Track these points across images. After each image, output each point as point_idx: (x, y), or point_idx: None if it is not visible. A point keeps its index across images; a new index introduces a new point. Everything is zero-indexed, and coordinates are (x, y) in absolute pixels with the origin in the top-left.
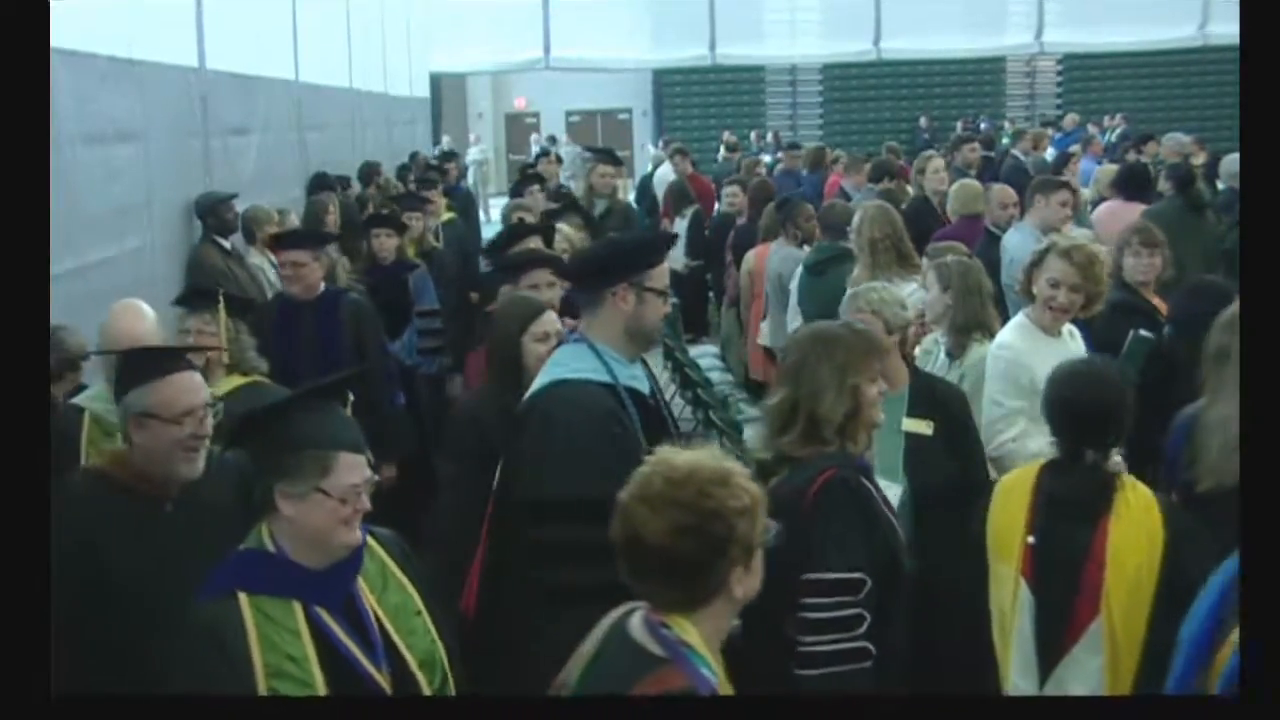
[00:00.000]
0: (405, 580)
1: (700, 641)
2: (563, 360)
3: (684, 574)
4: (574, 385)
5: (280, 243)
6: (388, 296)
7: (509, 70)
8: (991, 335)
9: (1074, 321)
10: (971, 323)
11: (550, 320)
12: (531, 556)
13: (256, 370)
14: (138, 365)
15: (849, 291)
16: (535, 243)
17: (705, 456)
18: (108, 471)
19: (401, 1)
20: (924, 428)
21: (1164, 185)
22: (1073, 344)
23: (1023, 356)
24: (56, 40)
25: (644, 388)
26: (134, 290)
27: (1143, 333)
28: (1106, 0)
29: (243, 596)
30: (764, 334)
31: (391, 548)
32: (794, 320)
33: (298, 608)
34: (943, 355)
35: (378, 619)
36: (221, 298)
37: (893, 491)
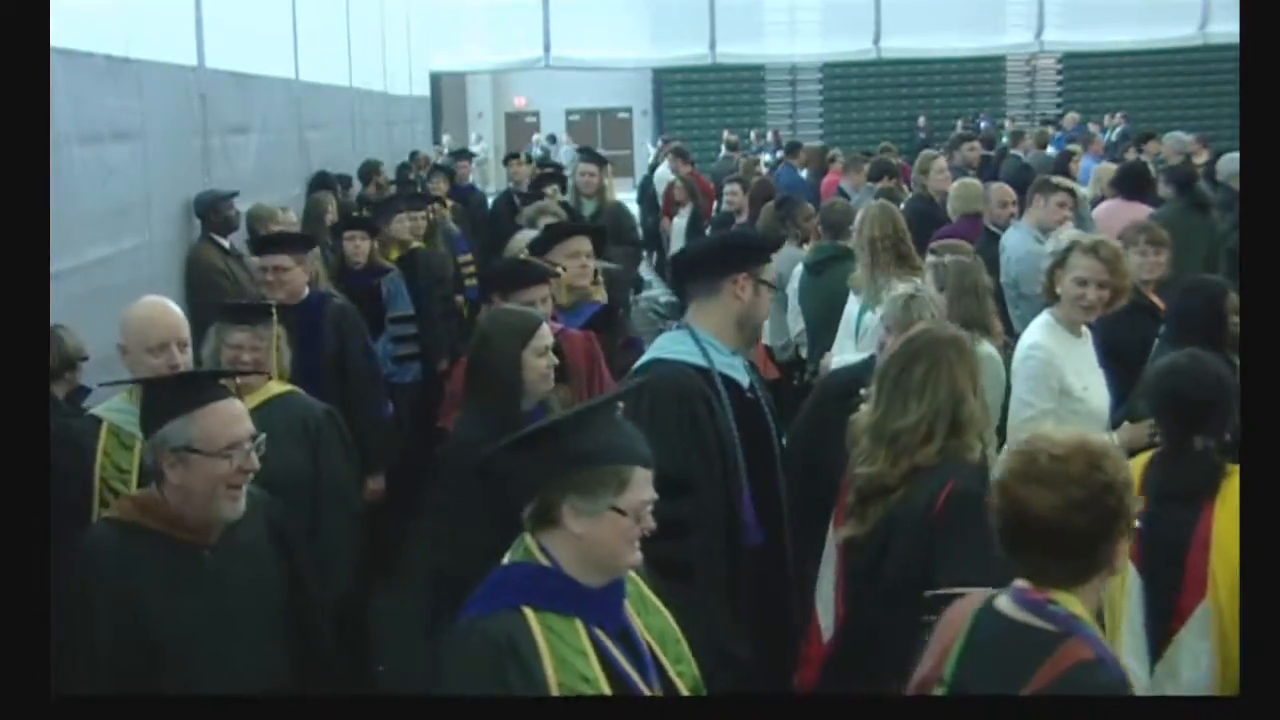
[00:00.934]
0: (660, 605)
1: (1087, 615)
2: (663, 344)
3: (1075, 549)
4: (668, 365)
5: (262, 246)
6: (359, 302)
7: (509, 69)
8: (989, 334)
9: None
10: (969, 322)
11: (548, 334)
12: None
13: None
14: (173, 394)
15: (901, 296)
16: (581, 243)
17: (1079, 432)
18: (137, 519)
19: (401, 0)
20: None
21: (1164, 190)
22: (1087, 344)
23: (1054, 358)
24: (55, 39)
25: (742, 379)
26: (132, 290)
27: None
28: None
29: (528, 611)
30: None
31: (640, 571)
32: (794, 320)
33: (580, 627)
34: None
35: (648, 643)
36: (275, 311)
37: None
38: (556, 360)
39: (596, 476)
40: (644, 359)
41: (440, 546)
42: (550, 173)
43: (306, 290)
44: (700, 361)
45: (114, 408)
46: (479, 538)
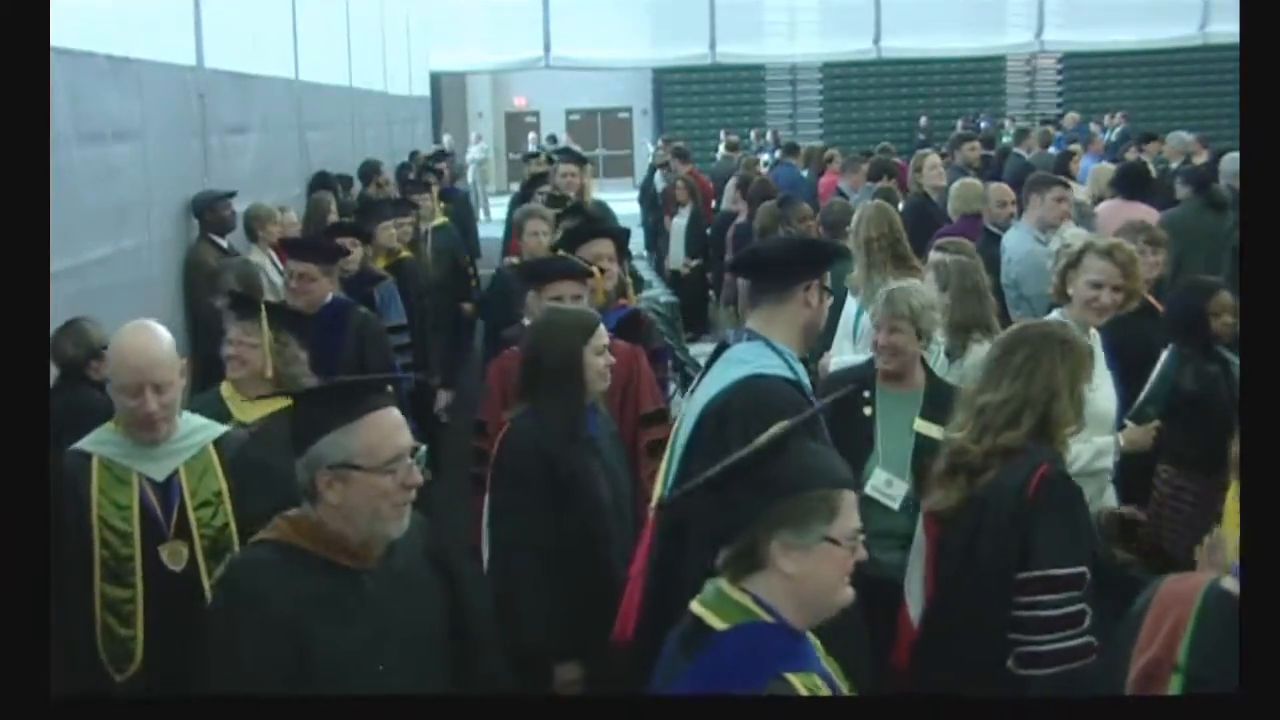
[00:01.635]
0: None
1: None
2: (746, 357)
3: None
4: (768, 380)
5: (290, 250)
6: None
7: (509, 69)
8: (991, 335)
9: None
10: (970, 322)
11: (605, 332)
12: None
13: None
14: (329, 405)
15: (887, 291)
16: (603, 245)
17: None
18: (295, 541)
19: (401, 0)
20: (934, 431)
21: (1182, 190)
22: (1095, 346)
23: None
24: (54, 39)
25: (808, 387)
26: (132, 289)
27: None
28: None
29: (793, 679)
30: None
31: None
32: None
33: (820, 684)
34: (942, 355)
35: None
36: (264, 307)
37: (899, 489)
38: (613, 359)
39: (806, 505)
40: (734, 374)
41: (500, 548)
42: (543, 173)
43: (329, 297)
44: (790, 374)
45: (101, 440)
46: (539, 538)
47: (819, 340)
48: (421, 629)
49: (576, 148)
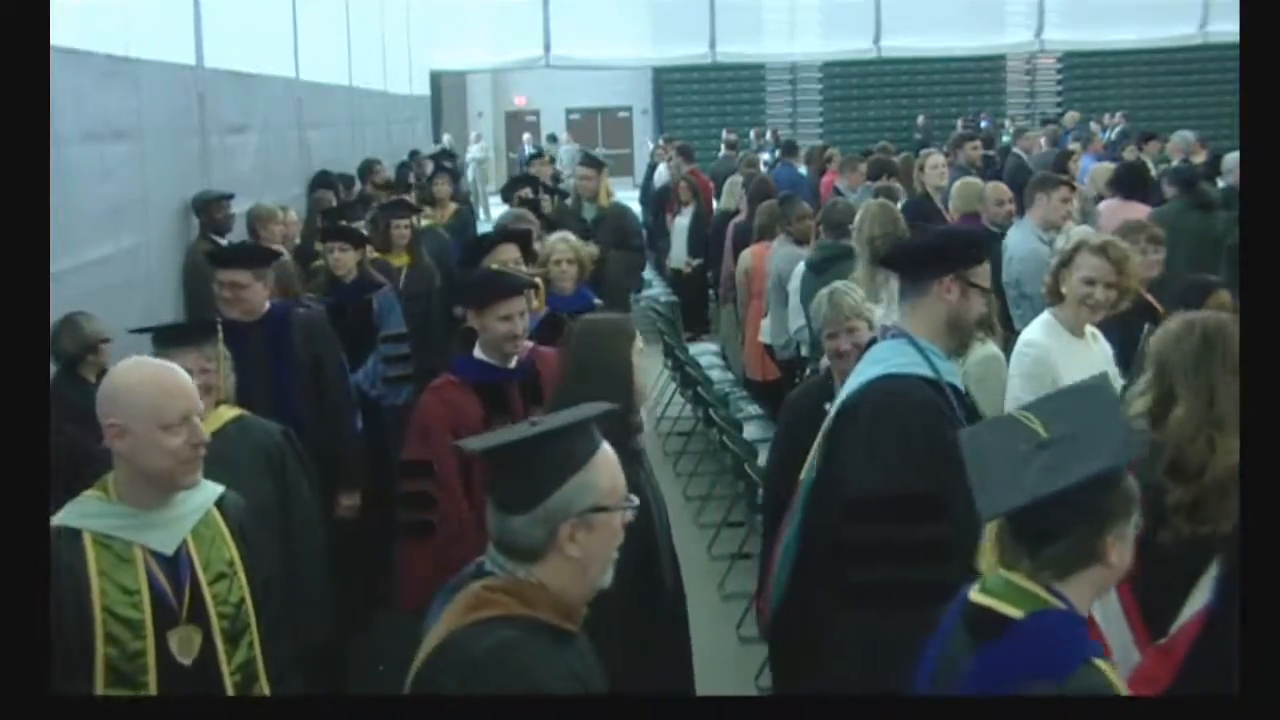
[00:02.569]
0: None
1: None
2: (883, 355)
3: None
4: (901, 380)
5: (216, 260)
6: (352, 320)
7: (509, 68)
8: (992, 333)
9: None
10: None
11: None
12: (856, 554)
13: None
14: (567, 446)
15: (827, 293)
16: (508, 251)
17: None
18: (526, 613)
19: None
20: None
21: (1168, 190)
22: (1095, 346)
23: (1048, 355)
24: (54, 38)
25: (959, 384)
26: (131, 288)
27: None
28: None
29: (1100, 664)
30: (764, 331)
31: None
32: (795, 318)
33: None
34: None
35: None
36: (220, 327)
37: None
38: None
39: (1125, 496)
40: (869, 372)
41: None
42: (522, 176)
43: (266, 305)
44: (929, 373)
45: (89, 512)
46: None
47: (805, 338)
48: (612, 682)
49: (593, 151)
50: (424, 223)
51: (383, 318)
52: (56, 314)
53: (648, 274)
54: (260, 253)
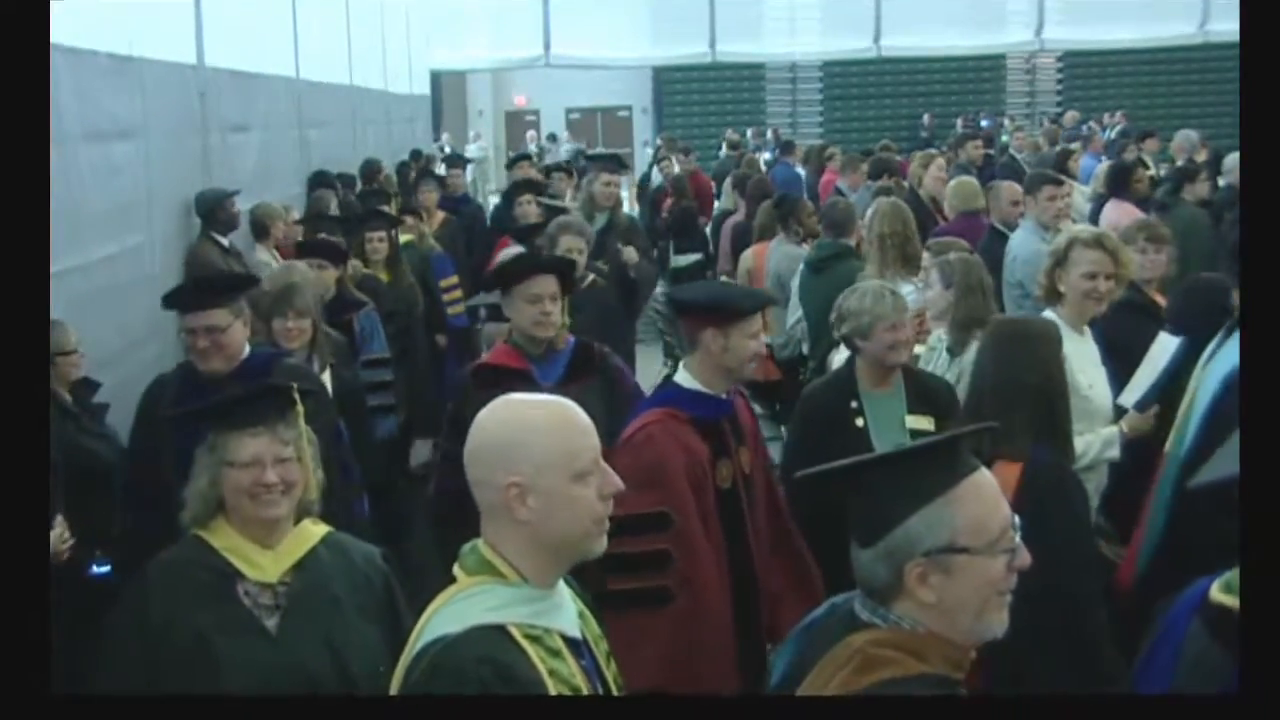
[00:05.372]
0: None
1: None
2: None
3: None
4: None
5: (184, 302)
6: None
7: (509, 67)
8: None
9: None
10: (973, 319)
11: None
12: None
13: None
14: (918, 474)
15: (876, 288)
16: (545, 284)
17: None
18: (920, 675)
19: None
20: (925, 424)
21: (1163, 188)
22: (1090, 343)
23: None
24: (56, 37)
25: None
26: (134, 288)
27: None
28: None
29: None
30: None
31: None
32: (794, 318)
33: None
34: (944, 352)
35: None
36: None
37: None
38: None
39: None
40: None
41: None
42: (523, 181)
43: (246, 349)
44: None
45: (498, 604)
46: None
47: (821, 338)
48: None
49: (593, 151)
50: (404, 238)
51: (364, 340)
52: (62, 313)
53: None
54: (236, 281)
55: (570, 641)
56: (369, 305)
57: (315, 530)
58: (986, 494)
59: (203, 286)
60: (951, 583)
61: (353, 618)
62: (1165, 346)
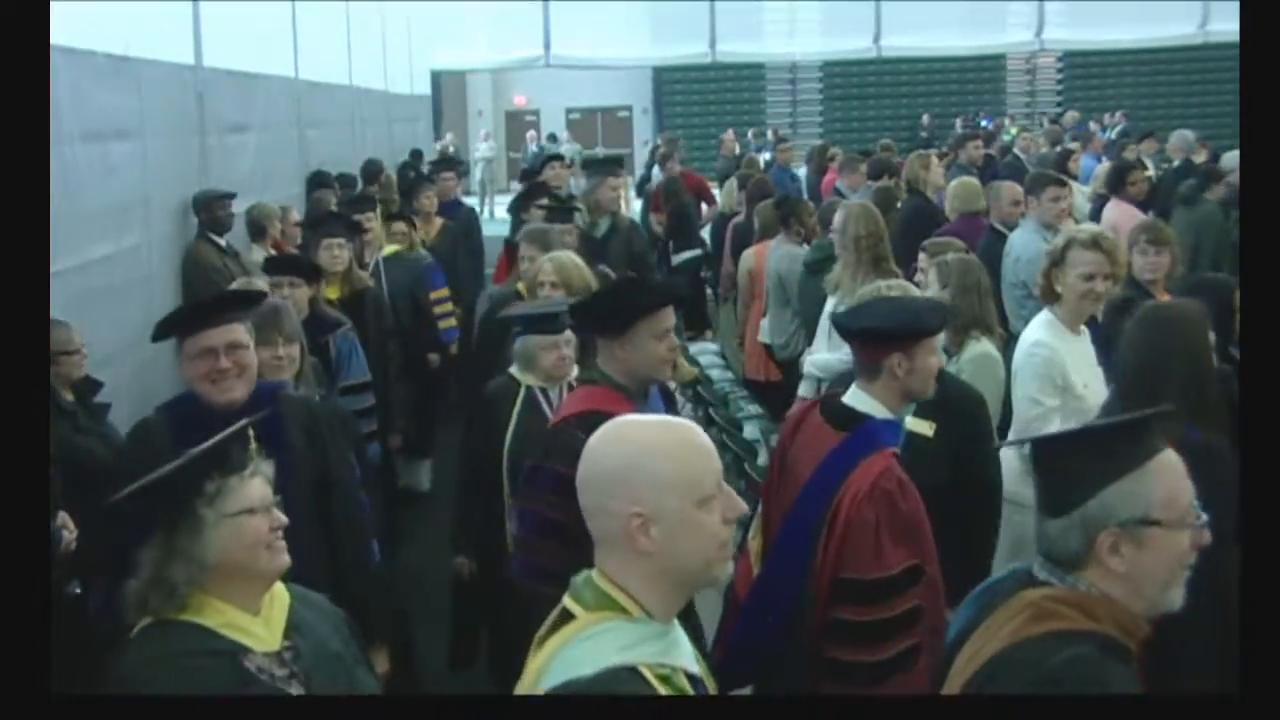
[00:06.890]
0: None
1: None
2: None
3: None
4: None
5: (197, 321)
6: None
7: (509, 68)
8: (989, 332)
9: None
10: (970, 320)
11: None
12: None
13: None
14: (1115, 449)
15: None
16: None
17: None
18: (1090, 630)
19: None
20: (925, 428)
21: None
22: (1085, 342)
23: (1056, 354)
24: (54, 37)
25: None
26: (132, 288)
27: None
28: None
29: None
30: (764, 331)
31: None
32: (794, 317)
33: None
34: (941, 353)
35: None
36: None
37: None
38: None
39: None
40: None
41: None
42: (536, 185)
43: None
44: None
45: (628, 642)
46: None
47: (802, 338)
48: None
49: (594, 151)
50: (390, 249)
51: (341, 364)
52: (60, 313)
53: None
54: (251, 296)
55: (691, 678)
56: (346, 325)
57: (280, 588)
58: (1177, 470)
59: (214, 305)
60: (1142, 554)
61: (354, 670)
62: None
